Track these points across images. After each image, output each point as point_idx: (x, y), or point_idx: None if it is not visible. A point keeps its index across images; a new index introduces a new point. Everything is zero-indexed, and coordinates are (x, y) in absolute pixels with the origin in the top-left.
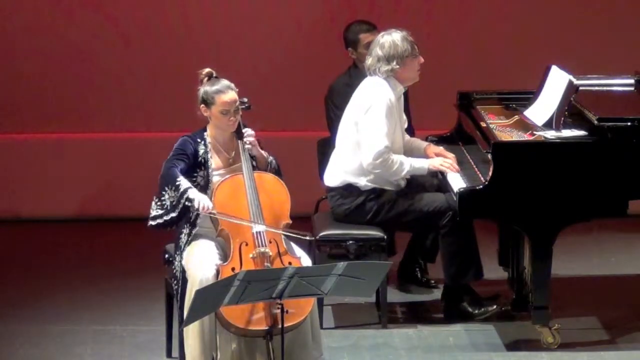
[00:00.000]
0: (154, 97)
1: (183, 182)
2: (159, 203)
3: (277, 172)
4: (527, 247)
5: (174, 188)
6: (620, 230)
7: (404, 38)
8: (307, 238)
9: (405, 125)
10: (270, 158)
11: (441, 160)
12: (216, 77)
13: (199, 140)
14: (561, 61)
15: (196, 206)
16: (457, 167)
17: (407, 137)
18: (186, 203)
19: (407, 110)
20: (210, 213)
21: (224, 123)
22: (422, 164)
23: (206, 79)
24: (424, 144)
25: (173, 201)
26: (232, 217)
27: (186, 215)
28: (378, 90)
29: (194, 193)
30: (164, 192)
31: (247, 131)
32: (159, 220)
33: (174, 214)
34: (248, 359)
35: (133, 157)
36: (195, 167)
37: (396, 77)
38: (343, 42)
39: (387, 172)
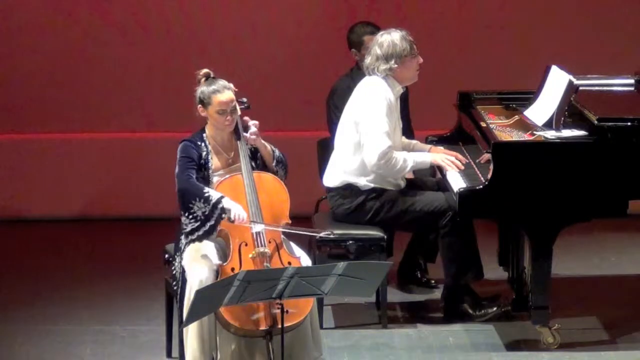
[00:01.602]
0: (154, 97)
1: (212, 193)
2: (190, 217)
3: (284, 162)
4: (527, 247)
5: (202, 200)
6: (620, 230)
7: (403, 37)
8: (332, 235)
9: (400, 126)
10: (276, 150)
11: (444, 157)
12: (213, 78)
13: (199, 142)
14: (561, 61)
15: (232, 217)
16: (459, 164)
17: (407, 140)
18: (222, 215)
19: (407, 112)
20: (246, 223)
21: (221, 123)
22: (424, 158)
23: (204, 79)
24: (427, 146)
25: (205, 211)
26: (267, 224)
27: (219, 223)
28: (377, 90)
29: (228, 203)
30: (191, 206)
31: (252, 122)
32: (199, 233)
33: (211, 223)
34: (248, 359)
35: (133, 157)
36: (197, 169)
37: (394, 77)
38: (346, 42)
39: (391, 171)
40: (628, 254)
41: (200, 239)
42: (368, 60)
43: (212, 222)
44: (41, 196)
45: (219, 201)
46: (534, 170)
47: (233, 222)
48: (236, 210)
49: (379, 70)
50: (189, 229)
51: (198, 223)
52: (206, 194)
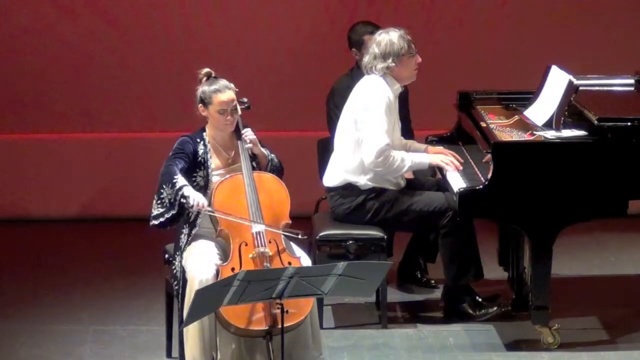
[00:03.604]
0: (154, 97)
1: (179, 180)
2: (158, 201)
3: (278, 169)
4: (527, 247)
5: (170, 185)
6: (620, 230)
7: (400, 36)
8: (300, 237)
9: (399, 125)
10: (272, 156)
11: (442, 157)
12: (215, 77)
13: (198, 140)
14: (561, 61)
15: (191, 203)
16: (457, 164)
17: (404, 140)
18: (181, 200)
19: (407, 113)
20: (206, 210)
21: (221, 123)
22: (422, 159)
23: (205, 78)
24: (423, 146)
25: (171, 198)
26: (231, 216)
27: (186, 213)
28: (376, 88)
29: (188, 190)
30: (162, 190)
31: (247, 131)
32: (161, 219)
33: (174, 211)
34: (248, 359)
35: (133, 157)
36: (195, 167)
37: (393, 76)
38: (346, 42)
39: (389, 170)
40: (628, 254)
41: (163, 225)
42: (366, 59)
43: (174, 211)
44: (41, 196)
45: (180, 187)
46: (534, 170)
47: (192, 208)
48: (194, 197)
49: (376, 68)
50: (153, 212)
51: (163, 209)
52: (174, 180)
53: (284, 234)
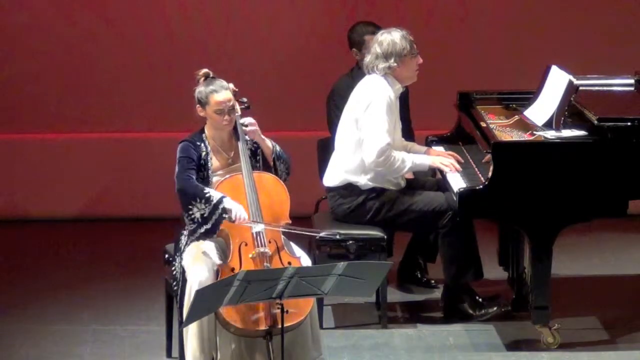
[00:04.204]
0: (154, 97)
1: (213, 193)
2: (188, 218)
3: (282, 158)
4: (527, 247)
5: (203, 200)
6: (620, 230)
7: (403, 37)
8: (338, 237)
9: (400, 126)
10: (275, 145)
11: (442, 159)
12: (212, 77)
13: (198, 142)
14: (561, 61)
15: (233, 217)
16: (457, 166)
17: (404, 142)
18: (223, 215)
19: (407, 114)
20: (246, 223)
21: (219, 123)
22: (423, 161)
23: (202, 79)
24: (424, 148)
25: (204, 213)
26: (270, 225)
27: (220, 224)
28: (377, 88)
29: (229, 203)
30: (191, 207)
31: (248, 119)
32: (196, 234)
33: (207, 226)
34: (248, 359)
35: (133, 157)
36: (197, 169)
37: (394, 76)
38: (347, 42)
39: (389, 170)
40: (628, 254)
41: (200, 239)
42: (368, 58)
43: (210, 225)
44: (41, 196)
45: (220, 201)
46: (534, 170)
47: (234, 222)
48: (237, 210)
49: (377, 68)
50: (188, 229)
51: (195, 225)
52: (207, 195)
53: (324, 237)
